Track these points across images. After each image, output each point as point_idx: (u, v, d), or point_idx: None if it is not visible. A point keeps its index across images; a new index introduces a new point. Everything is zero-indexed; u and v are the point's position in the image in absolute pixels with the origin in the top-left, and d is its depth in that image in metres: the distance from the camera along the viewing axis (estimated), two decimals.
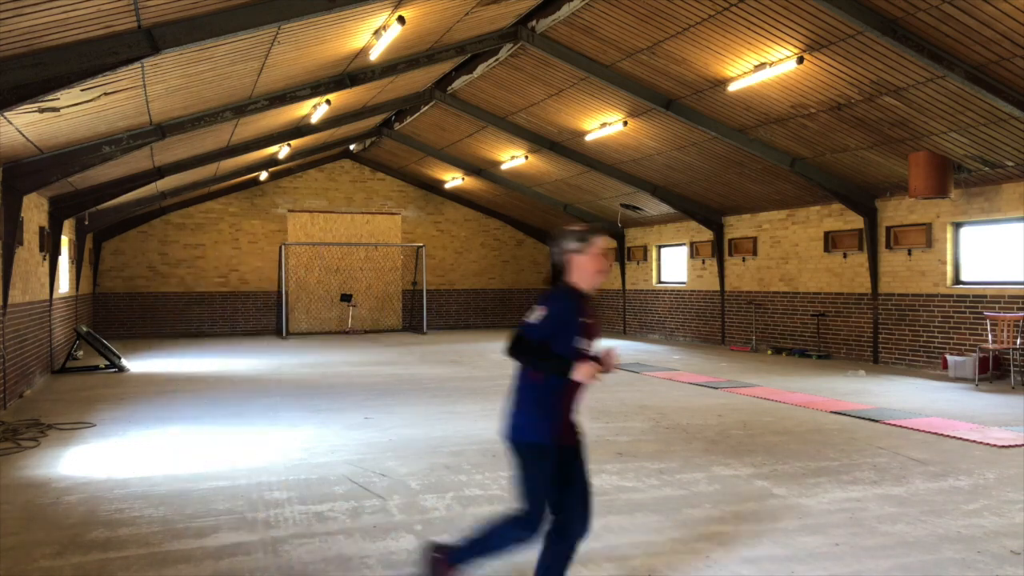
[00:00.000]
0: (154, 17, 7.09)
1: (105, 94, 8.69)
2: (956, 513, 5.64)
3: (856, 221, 15.14)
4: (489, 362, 15.66)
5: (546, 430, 3.86)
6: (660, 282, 21.82)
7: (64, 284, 16.33)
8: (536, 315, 3.75)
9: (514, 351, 3.75)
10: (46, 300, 13.72)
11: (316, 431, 8.73)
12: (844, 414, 9.55)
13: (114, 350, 15.15)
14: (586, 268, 3.88)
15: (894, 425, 8.84)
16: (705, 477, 6.66)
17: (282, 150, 18.13)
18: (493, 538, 3.96)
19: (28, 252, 12.08)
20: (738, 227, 18.55)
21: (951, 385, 12.04)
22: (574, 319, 3.81)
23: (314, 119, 14.85)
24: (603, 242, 3.97)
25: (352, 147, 22.63)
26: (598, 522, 5.45)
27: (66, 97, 8.05)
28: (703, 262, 19.78)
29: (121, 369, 14.52)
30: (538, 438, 3.83)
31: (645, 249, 22.18)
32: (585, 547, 4.96)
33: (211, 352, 18.14)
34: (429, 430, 8.74)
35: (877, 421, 9.07)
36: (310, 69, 11.43)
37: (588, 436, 8.26)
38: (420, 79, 15.07)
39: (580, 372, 3.73)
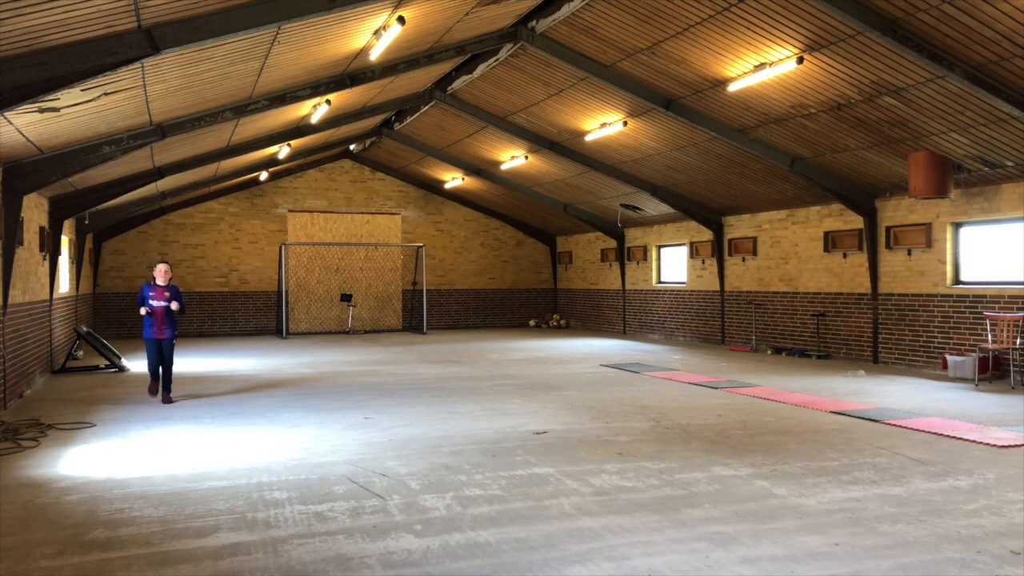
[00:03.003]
0: (154, 17, 7.09)
1: (105, 94, 8.69)
2: (956, 513, 5.64)
3: (856, 221, 15.14)
4: (489, 362, 15.67)
5: None
6: (660, 282, 21.82)
7: (64, 284, 16.34)
8: None
9: None
10: (46, 300, 13.73)
11: (316, 431, 8.74)
12: (844, 414, 9.55)
13: (114, 350, 15.16)
14: None
15: (894, 425, 8.84)
16: (705, 477, 6.66)
17: (282, 150, 18.13)
18: None
19: (28, 252, 12.08)
20: (738, 227, 18.55)
21: (951, 385, 12.04)
22: None
23: (314, 119, 14.86)
24: None
25: (352, 147, 22.63)
26: (598, 522, 5.46)
27: (66, 97, 8.06)
28: (703, 262, 19.78)
29: (121, 369, 14.52)
30: None
31: (645, 249, 22.18)
32: (585, 547, 4.97)
33: (211, 352, 18.15)
34: (429, 430, 8.74)
35: (877, 421, 9.07)
36: (310, 69, 11.43)
37: (588, 436, 8.30)
38: (420, 79, 15.07)
39: None
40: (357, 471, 6.92)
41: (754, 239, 18.00)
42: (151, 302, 10.82)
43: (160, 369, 10.89)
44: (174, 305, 10.92)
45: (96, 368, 14.64)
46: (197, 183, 19.17)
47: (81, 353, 16.22)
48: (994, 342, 12.27)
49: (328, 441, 8.19)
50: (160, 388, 10.94)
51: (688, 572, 4.57)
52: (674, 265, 21.42)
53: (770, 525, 5.38)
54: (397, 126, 19.47)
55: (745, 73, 11.56)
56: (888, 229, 14.50)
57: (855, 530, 5.27)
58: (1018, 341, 11.94)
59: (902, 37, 9.36)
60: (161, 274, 10.99)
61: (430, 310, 25.21)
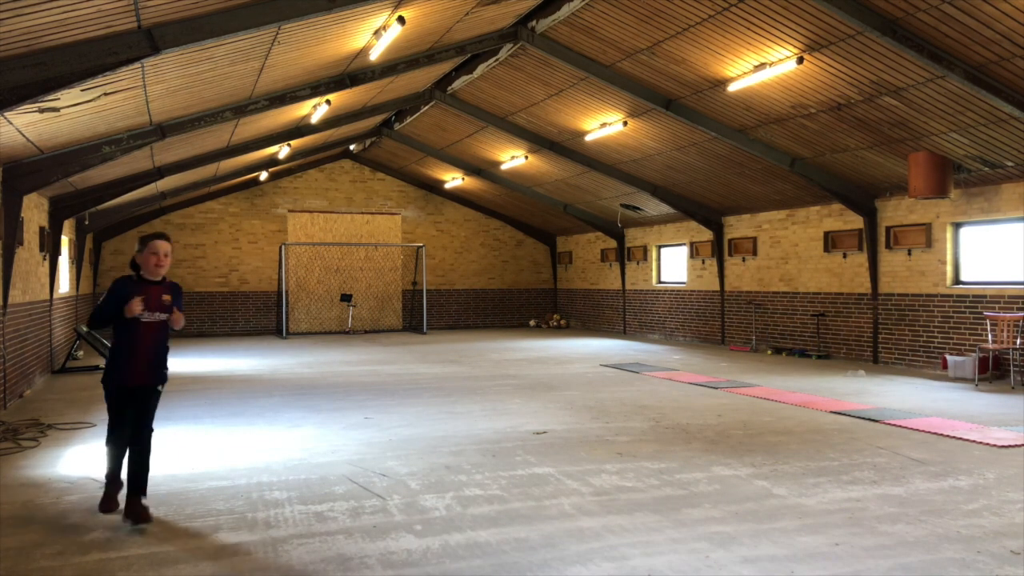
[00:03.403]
0: (154, 17, 7.09)
1: (105, 94, 8.69)
2: (956, 513, 5.64)
3: (856, 221, 15.14)
4: (489, 362, 15.66)
5: None
6: (660, 282, 21.82)
7: (64, 284, 16.33)
8: None
9: None
10: (46, 300, 13.73)
11: (316, 431, 8.73)
12: (844, 414, 9.55)
13: None
14: None
15: (894, 425, 8.84)
16: (705, 477, 6.66)
17: (282, 150, 18.13)
18: None
19: (28, 252, 12.08)
20: (738, 227, 18.55)
21: (951, 385, 12.04)
22: None
23: (314, 119, 14.86)
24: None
25: (352, 147, 22.63)
26: (598, 522, 5.46)
27: (66, 97, 8.06)
28: (703, 262, 19.78)
29: None
30: None
31: (645, 249, 22.18)
32: (585, 547, 4.97)
33: (211, 352, 18.14)
34: (429, 430, 8.74)
35: (877, 421, 9.07)
36: (310, 69, 11.43)
37: (588, 436, 8.30)
38: (420, 79, 15.07)
39: None
40: (357, 471, 6.92)
41: (754, 239, 18.00)
42: (139, 313, 5.45)
43: (128, 450, 5.63)
44: (177, 320, 5.74)
45: (96, 368, 14.63)
46: (197, 183, 19.18)
47: (81, 353, 16.22)
48: (994, 342, 12.27)
49: (328, 441, 8.19)
50: (125, 492, 5.58)
51: (688, 572, 4.57)
52: (674, 265, 21.42)
53: (770, 525, 5.38)
54: (397, 126, 19.47)
55: (745, 73, 11.56)
56: (888, 229, 14.50)
57: (855, 530, 5.27)
58: (1018, 341, 11.94)
59: (902, 37, 9.36)
60: (157, 260, 5.63)
61: (430, 310, 25.21)
